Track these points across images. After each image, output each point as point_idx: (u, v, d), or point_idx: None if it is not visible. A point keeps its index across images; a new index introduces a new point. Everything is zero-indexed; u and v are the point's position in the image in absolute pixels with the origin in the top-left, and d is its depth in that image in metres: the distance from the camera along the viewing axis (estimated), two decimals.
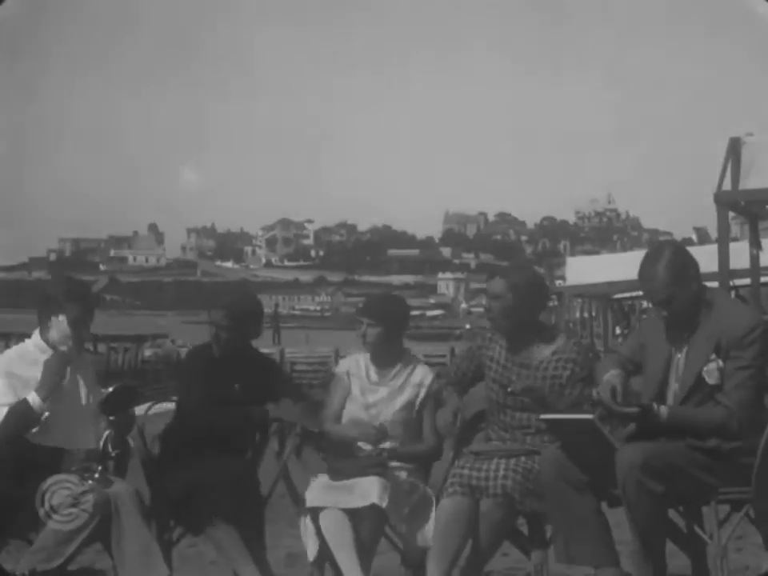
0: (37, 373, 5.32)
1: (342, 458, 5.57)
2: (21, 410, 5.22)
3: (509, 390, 5.52)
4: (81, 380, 5.45)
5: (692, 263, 5.15)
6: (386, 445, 5.61)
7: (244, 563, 5.37)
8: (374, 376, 5.80)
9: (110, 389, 5.33)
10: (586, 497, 5.09)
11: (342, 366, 5.88)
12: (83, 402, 5.42)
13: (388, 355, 5.78)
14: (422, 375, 5.76)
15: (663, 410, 5.03)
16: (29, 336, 5.54)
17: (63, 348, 5.37)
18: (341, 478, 5.47)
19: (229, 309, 5.78)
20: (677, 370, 5.12)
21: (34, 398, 5.23)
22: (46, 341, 5.43)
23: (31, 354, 5.42)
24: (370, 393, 5.75)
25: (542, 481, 5.22)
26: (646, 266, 5.13)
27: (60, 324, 5.39)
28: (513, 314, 5.56)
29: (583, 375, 5.49)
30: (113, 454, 5.36)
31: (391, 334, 5.74)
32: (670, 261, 5.09)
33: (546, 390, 5.47)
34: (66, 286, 5.53)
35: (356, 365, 5.85)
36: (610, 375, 5.13)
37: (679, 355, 5.13)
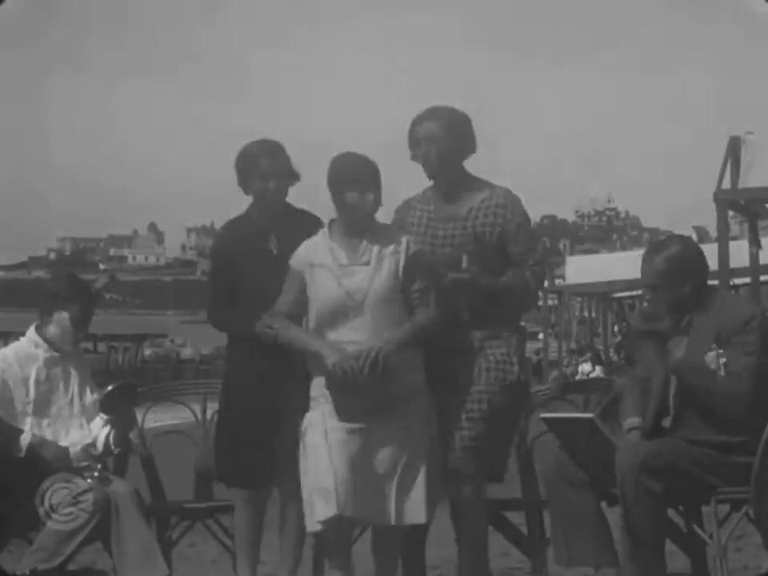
0: (31, 370, 5.33)
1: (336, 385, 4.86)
2: (7, 435, 5.24)
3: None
4: (76, 377, 5.44)
5: (694, 259, 5.15)
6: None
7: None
8: (342, 256, 5.01)
9: (110, 387, 5.33)
10: (586, 496, 5.09)
11: (298, 257, 5.04)
12: (76, 398, 5.41)
13: (356, 230, 5.01)
14: (395, 241, 5.01)
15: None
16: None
17: (64, 344, 5.39)
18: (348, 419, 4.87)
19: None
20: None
21: (24, 438, 5.26)
22: (43, 336, 5.43)
23: (25, 350, 5.43)
24: (346, 278, 4.95)
25: (543, 480, 5.22)
26: (651, 251, 5.18)
27: (62, 320, 5.40)
28: (449, 159, 5.18)
29: (517, 223, 5.14)
30: (115, 452, 5.36)
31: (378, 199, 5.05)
32: (671, 253, 5.11)
33: (473, 242, 5.09)
34: (70, 283, 5.54)
35: (315, 251, 5.03)
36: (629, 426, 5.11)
37: (681, 351, 5.11)
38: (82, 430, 5.37)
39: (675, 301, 5.09)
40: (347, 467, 4.83)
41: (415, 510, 4.90)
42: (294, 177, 5.38)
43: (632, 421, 5.10)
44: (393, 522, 4.87)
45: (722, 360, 4.97)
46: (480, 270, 5.04)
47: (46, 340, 5.42)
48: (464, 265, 5.02)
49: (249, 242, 5.30)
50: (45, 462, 5.22)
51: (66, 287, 5.47)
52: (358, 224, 4.99)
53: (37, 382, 5.36)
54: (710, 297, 5.12)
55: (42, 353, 5.40)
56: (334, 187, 4.99)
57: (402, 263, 4.96)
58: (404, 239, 5.00)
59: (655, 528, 4.92)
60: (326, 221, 5.16)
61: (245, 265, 5.27)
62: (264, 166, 5.30)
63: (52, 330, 5.41)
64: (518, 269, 5.13)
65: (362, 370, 4.78)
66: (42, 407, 5.34)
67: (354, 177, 4.97)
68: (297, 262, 5.02)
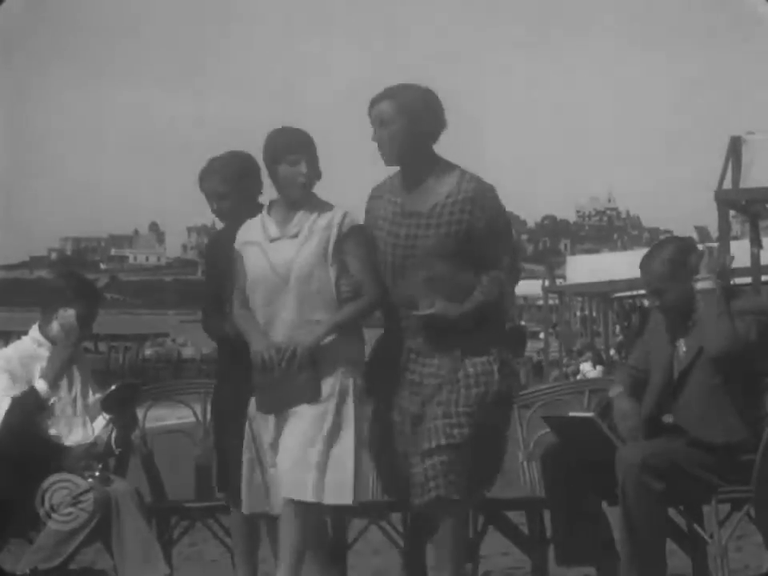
0: (34, 369, 5.32)
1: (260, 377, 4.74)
2: (28, 398, 5.21)
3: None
4: (78, 376, 5.44)
5: (693, 257, 5.13)
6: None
7: None
8: (273, 230, 4.83)
9: (113, 386, 5.32)
10: (587, 496, 5.08)
11: (237, 238, 4.91)
12: (79, 397, 5.41)
13: (291, 203, 4.83)
14: (330, 216, 4.78)
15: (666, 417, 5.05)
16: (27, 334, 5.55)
17: (68, 341, 5.38)
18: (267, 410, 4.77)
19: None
20: (679, 366, 5.11)
21: (41, 385, 5.24)
22: (46, 335, 5.43)
23: (29, 350, 5.42)
24: (272, 251, 4.78)
25: (544, 479, 5.22)
26: (646, 257, 5.15)
27: (68, 317, 5.38)
28: (406, 143, 4.82)
29: (487, 220, 4.80)
30: (116, 452, 5.35)
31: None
32: (668, 254, 5.09)
33: (438, 244, 4.76)
34: (76, 280, 5.53)
35: (247, 230, 4.90)
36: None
37: (682, 351, 5.12)
38: (86, 429, 5.37)
39: (682, 302, 5.08)
40: (256, 461, 4.80)
41: (339, 490, 4.66)
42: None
43: (616, 389, 5.10)
44: (312, 498, 4.62)
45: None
46: (446, 304, 4.73)
47: (48, 339, 5.41)
48: (429, 310, 4.73)
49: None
50: (45, 458, 5.21)
51: (71, 284, 5.46)
52: (292, 197, 4.80)
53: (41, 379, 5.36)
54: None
55: (45, 352, 5.39)
56: (267, 160, 4.84)
57: (333, 239, 4.73)
58: (340, 213, 4.77)
59: (656, 527, 4.92)
60: None
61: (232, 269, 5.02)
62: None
63: (56, 328, 5.40)
64: (490, 275, 4.79)
65: (279, 363, 4.65)
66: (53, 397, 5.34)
67: (286, 148, 4.77)
68: (236, 243, 4.89)
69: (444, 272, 4.79)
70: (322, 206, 4.81)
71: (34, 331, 5.46)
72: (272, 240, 4.80)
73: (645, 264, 5.13)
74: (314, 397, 4.68)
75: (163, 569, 5.17)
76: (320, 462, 4.63)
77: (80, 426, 5.36)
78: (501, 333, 4.98)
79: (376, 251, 4.81)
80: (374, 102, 4.87)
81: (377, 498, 5.68)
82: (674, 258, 5.08)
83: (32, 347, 5.43)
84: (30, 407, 5.22)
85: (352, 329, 4.79)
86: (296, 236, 4.77)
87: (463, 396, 4.77)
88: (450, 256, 4.78)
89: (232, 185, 5.24)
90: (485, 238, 4.80)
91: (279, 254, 4.75)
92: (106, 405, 5.28)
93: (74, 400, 5.40)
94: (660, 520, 4.96)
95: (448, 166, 4.88)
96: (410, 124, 4.79)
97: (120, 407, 5.29)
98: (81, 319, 5.39)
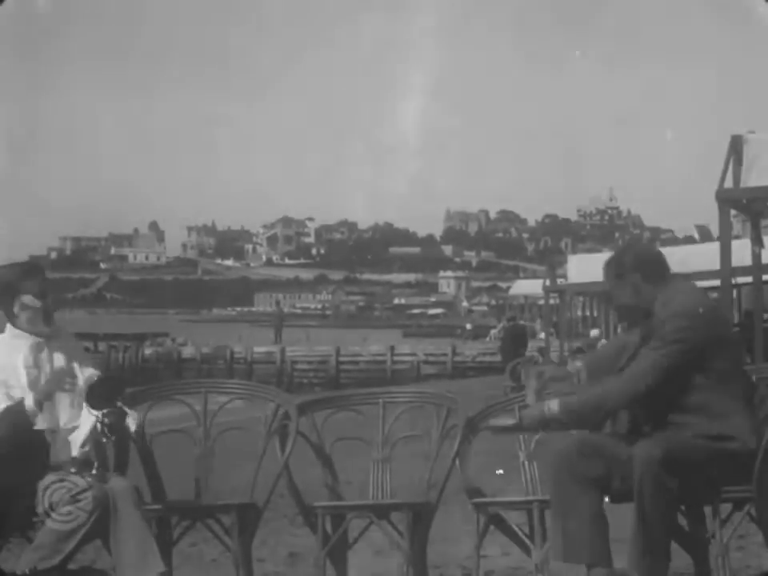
0: (17, 357, 5.31)
1: None
2: (16, 412, 5.20)
3: None
4: (62, 359, 5.41)
5: (638, 261, 5.19)
6: None
7: None
8: None
9: (92, 381, 5.28)
10: (589, 493, 5.07)
11: None
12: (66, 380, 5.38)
13: None
14: None
15: (552, 404, 5.07)
16: None
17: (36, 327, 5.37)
18: None
19: None
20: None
21: (29, 401, 5.22)
22: (20, 328, 5.42)
23: (8, 342, 5.41)
24: None
25: (547, 474, 5.22)
26: (603, 268, 5.29)
27: (27, 301, 5.38)
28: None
29: None
30: (112, 438, 5.33)
31: None
32: (613, 257, 5.24)
33: None
34: (16, 268, 5.53)
35: None
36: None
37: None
38: (73, 408, 5.34)
39: (633, 305, 5.16)
40: None
41: None
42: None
43: (574, 365, 5.21)
44: None
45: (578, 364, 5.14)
46: None
47: (23, 330, 5.41)
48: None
49: None
50: (40, 450, 5.20)
51: (16, 272, 5.47)
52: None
53: (26, 366, 5.35)
54: (666, 294, 5.15)
55: (25, 341, 5.39)
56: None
57: None
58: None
59: (668, 524, 4.92)
60: None
61: None
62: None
63: (23, 317, 5.40)
64: None
65: None
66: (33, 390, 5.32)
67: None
68: None
69: None
70: None
71: (9, 329, 5.46)
72: None
73: (603, 271, 5.26)
74: None
75: (159, 566, 5.15)
76: None
77: (68, 406, 5.34)
78: None
79: None
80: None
81: (377, 499, 5.69)
82: (616, 260, 5.21)
83: (12, 340, 5.42)
84: (17, 421, 5.20)
85: None
86: None
87: None
88: None
89: None
90: None
91: None
92: (90, 401, 5.25)
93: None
94: (672, 517, 4.97)
95: None
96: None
97: (105, 402, 5.27)
98: (39, 296, 5.39)
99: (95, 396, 5.23)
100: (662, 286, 5.16)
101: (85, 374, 5.36)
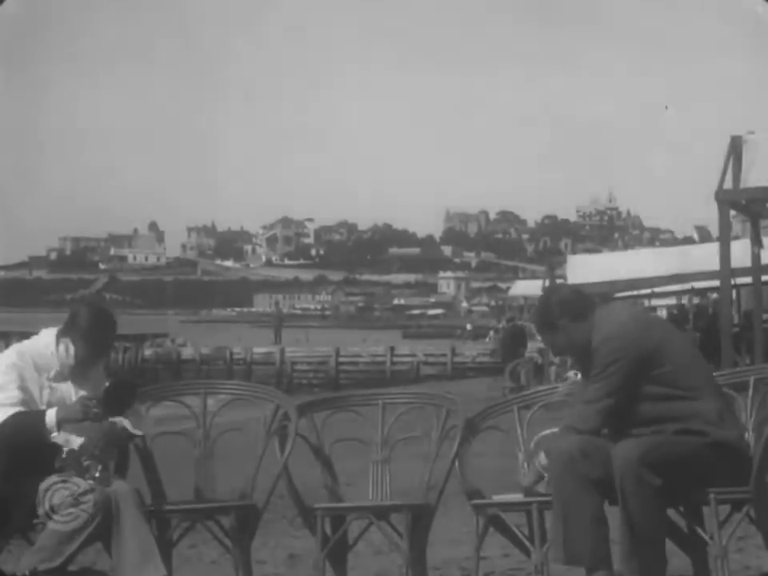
0: (44, 378, 5.30)
1: None
2: (36, 420, 5.20)
3: None
4: (82, 388, 5.42)
5: (563, 307, 5.29)
6: None
7: None
8: None
9: (106, 386, 5.28)
10: (590, 496, 5.07)
11: None
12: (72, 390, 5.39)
13: None
14: None
15: (541, 458, 5.30)
16: (27, 335, 5.52)
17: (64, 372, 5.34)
18: None
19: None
20: None
21: (50, 418, 5.22)
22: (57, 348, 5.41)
23: (42, 355, 5.38)
24: None
25: (548, 475, 5.22)
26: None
27: (66, 347, 5.36)
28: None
29: None
30: (139, 434, 5.39)
31: None
32: (537, 311, 5.42)
33: None
34: (84, 311, 5.43)
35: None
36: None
37: None
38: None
39: (572, 346, 5.29)
40: None
41: None
42: None
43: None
44: None
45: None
46: None
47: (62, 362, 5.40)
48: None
49: None
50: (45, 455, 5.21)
51: (79, 314, 5.40)
52: None
53: (51, 387, 5.35)
54: (597, 326, 5.24)
55: (55, 363, 5.37)
56: None
57: None
58: None
59: (655, 524, 4.93)
60: None
61: None
62: None
63: (60, 350, 5.39)
64: None
65: None
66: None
67: None
68: None
69: None
70: None
71: (50, 335, 5.42)
72: None
73: (533, 322, 5.57)
74: None
75: (159, 569, 5.15)
76: None
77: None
78: None
79: None
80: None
81: (376, 500, 5.68)
82: (538, 312, 5.40)
83: (46, 352, 5.40)
84: (34, 427, 5.20)
85: None
86: None
87: None
88: None
89: None
90: None
91: None
92: (107, 406, 5.25)
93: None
94: (659, 517, 4.97)
95: None
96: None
97: (121, 407, 5.27)
98: (78, 354, 5.35)
99: (112, 401, 5.23)
100: (591, 318, 5.25)
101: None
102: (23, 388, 5.27)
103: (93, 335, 5.37)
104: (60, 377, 5.37)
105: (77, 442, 5.27)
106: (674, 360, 5.12)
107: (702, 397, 5.08)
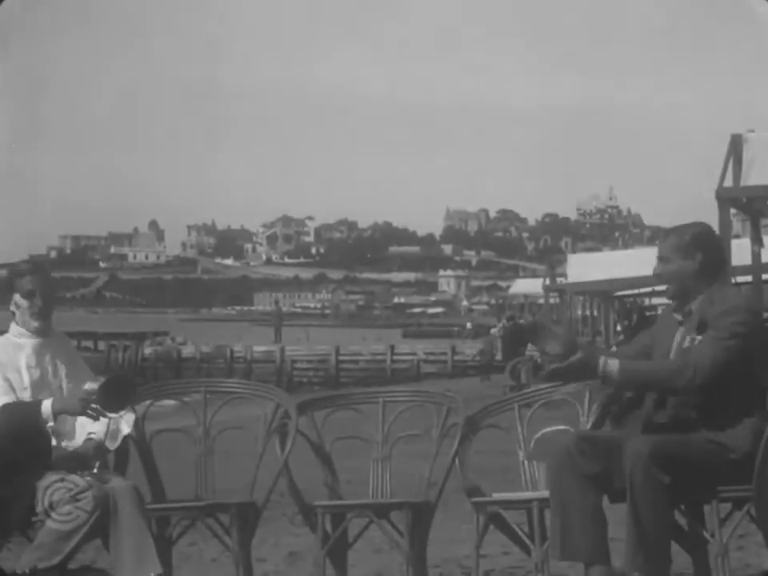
0: (20, 357, 5.32)
1: None
2: (30, 411, 5.20)
3: None
4: (63, 365, 5.41)
5: (704, 244, 5.19)
6: None
7: None
8: None
9: (101, 382, 5.24)
10: (589, 490, 5.06)
11: None
12: (65, 383, 5.38)
13: None
14: None
15: (612, 363, 5.04)
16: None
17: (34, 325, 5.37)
18: None
19: None
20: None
21: (46, 408, 5.21)
22: (23, 326, 5.44)
23: (12, 341, 5.40)
24: None
25: (547, 470, 5.21)
26: (666, 233, 5.32)
27: (16, 300, 5.40)
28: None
29: None
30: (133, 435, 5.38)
31: None
32: (686, 229, 5.23)
33: None
34: (12, 267, 5.55)
35: None
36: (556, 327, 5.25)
37: (678, 338, 5.16)
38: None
39: (681, 278, 5.16)
40: None
41: None
42: None
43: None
44: None
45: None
46: None
47: (26, 328, 5.42)
48: None
49: None
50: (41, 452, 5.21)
51: (9, 272, 5.50)
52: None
53: (28, 367, 5.36)
54: (715, 289, 5.14)
55: (27, 340, 5.40)
56: None
57: None
58: None
59: (662, 521, 4.91)
60: None
61: None
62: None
63: (17, 315, 5.43)
64: None
65: None
66: (36, 393, 5.32)
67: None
68: None
69: None
70: None
71: (13, 327, 5.47)
72: None
73: (664, 235, 5.30)
74: None
75: (156, 566, 5.14)
76: None
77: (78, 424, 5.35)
78: None
79: None
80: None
81: (377, 498, 5.68)
82: (688, 234, 5.19)
83: (16, 339, 5.42)
84: (28, 420, 5.20)
85: None
86: None
87: None
88: None
89: None
90: None
91: None
92: (104, 403, 5.23)
93: (61, 385, 5.38)
94: (667, 514, 4.96)
95: None
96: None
97: (117, 405, 5.26)
98: (27, 295, 5.39)
99: (109, 397, 5.20)
100: (716, 279, 5.17)
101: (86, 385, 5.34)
102: (4, 377, 5.29)
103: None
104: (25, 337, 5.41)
105: (70, 434, 5.29)
106: (760, 366, 5.09)
107: (746, 415, 5.04)
